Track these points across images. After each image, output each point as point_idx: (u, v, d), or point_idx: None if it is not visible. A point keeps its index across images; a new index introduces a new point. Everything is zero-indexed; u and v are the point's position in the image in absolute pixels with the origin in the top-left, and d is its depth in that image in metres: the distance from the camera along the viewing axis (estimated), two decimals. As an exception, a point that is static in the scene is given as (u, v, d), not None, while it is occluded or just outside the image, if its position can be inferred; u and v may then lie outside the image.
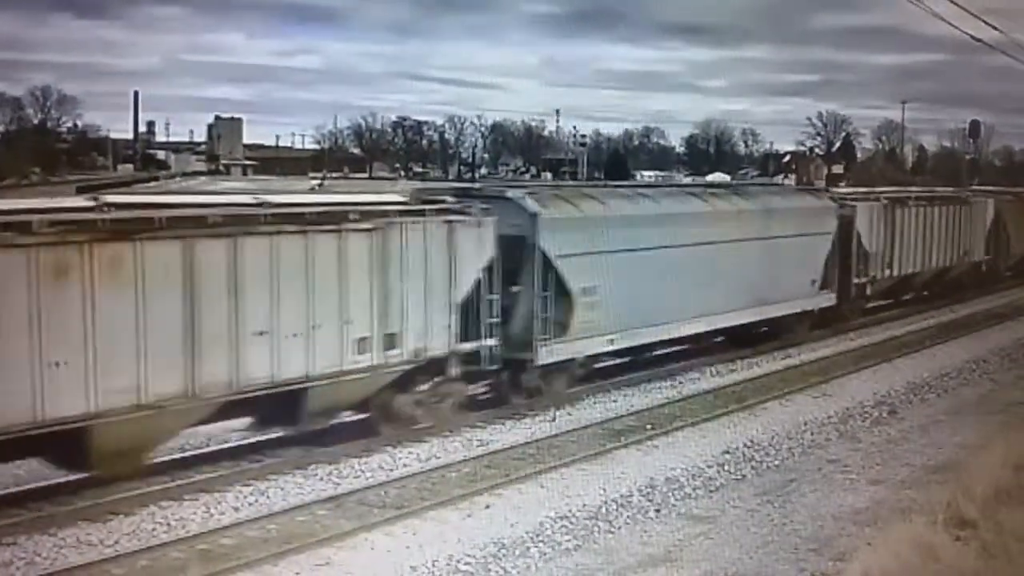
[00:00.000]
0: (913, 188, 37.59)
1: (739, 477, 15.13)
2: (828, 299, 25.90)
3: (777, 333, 24.53)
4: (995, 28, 22.45)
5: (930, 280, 32.36)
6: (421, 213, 16.33)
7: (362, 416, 16.14)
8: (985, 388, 21.88)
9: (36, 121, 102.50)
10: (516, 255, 17.46)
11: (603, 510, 13.34)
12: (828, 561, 11.74)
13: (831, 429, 17.91)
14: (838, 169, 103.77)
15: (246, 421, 15.24)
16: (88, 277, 12.34)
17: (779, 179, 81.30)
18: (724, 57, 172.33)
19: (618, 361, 20.87)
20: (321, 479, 14.32)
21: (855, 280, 27.47)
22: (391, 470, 14.82)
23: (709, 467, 15.35)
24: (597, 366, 20.01)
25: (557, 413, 18.04)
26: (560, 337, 18.17)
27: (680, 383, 20.82)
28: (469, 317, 16.77)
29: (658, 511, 13.56)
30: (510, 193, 18.70)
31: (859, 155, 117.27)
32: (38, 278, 11.96)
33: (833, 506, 13.75)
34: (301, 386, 14.55)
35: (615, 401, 19.24)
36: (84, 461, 12.94)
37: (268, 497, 13.56)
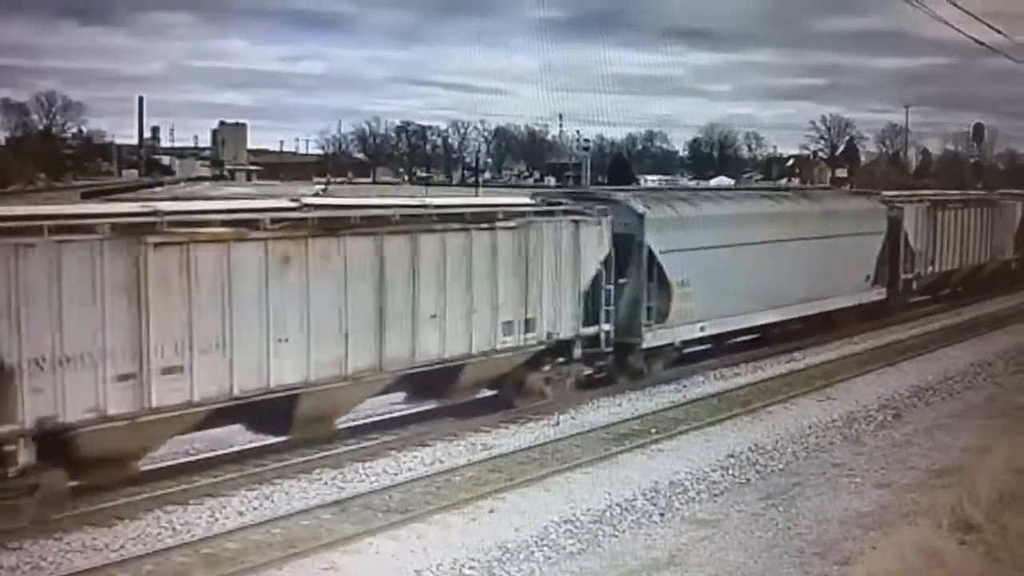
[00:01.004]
0: (952, 191, 39.96)
1: (743, 481, 15.12)
2: (879, 293, 28.31)
3: (833, 325, 26.34)
4: (998, 31, 22.49)
5: (966, 276, 34.42)
6: (551, 213, 18.63)
7: (491, 393, 18.24)
8: (990, 392, 21.84)
9: (41, 127, 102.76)
10: (625, 250, 19.74)
11: (607, 514, 13.34)
12: (832, 565, 11.73)
13: (835, 433, 17.89)
14: (842, 173, 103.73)
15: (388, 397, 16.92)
16: (305, 266, 14.44)
17: (782, 183, 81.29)
18: (728, 61, 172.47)
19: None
20: (325, 483, 14.32)
21: (903, 276, 29.82)
22: (395, 474, 14.83)
23: (713, 471, 15.34)
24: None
25: (561, 417, 18.08)
26: (661, 324, 20.49)
27: (684, 387, 20.82)
28: (589, 305, 19.00)
29: (662, 515, 13.55)
30: (619, 196, 21.43)
31: (863, 159, 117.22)
32: (267, 267, 14.00)
33: (838, 510, 13.73)
34: (461, 363, 16.75)
35: (619, 405, 19.25)
36: (287, 426, 14.81)
37: (273, 501, 13.57)
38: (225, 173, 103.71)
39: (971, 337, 27.75)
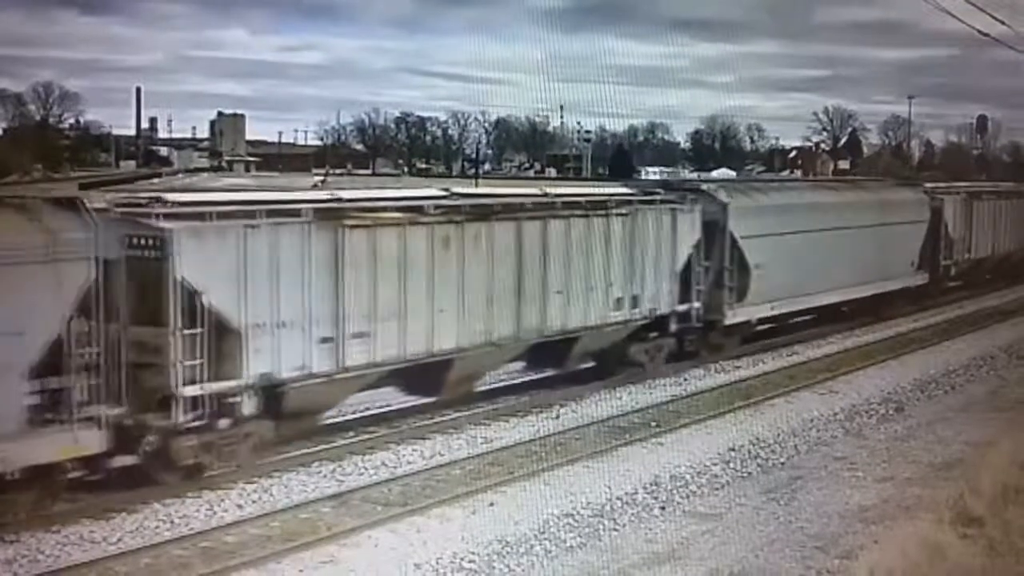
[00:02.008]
0: (984, 183, 42.76)
1: (745, 475, 15.07)
2: (923, 278, 30.31)
3: (881, 308, 28.09)
4: (1002, 23, 22.33)
5: (997, 264, 35.98)
6: (653, 202, 20.62)
7: (590, 365, 19.96)
8: (993, 385, 21.78)
9: (39, 118, 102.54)
10: (709, 236, 21.70)
11: (608, 508, 13.29)
12: (834, 559, 11.68)
13: (837, 426, 17.83)
14: (844, 164, 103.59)
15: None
16: (461, 247, 16.53)
17: (784, 175, 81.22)
18: (731, 52, 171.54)
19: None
20: (325, 476, 14.28)
21: (943, 262, 31.85)
22: (395, 467, 14.78)
23: (714, 464, 15.29)
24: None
25: (561, 411, 18.04)
26: (740, 302, 22.49)
27: (686, 380, 20.75)
28: (682, 284, 20.98)
29: (663, 509, 13.51)
30: (705, 186, 23.54)
31: (865, 150, 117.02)
32: (432, 247, 16.03)
33: (839, 504, 13.68)
34: (579, 334, 18.74)
35: (620, 398, 19.19)
36: (439, 388, 16.83)
37: (271, 494, 13.52)
38: (223, 164, 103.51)
39: (974, 330, 27.68)
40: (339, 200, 15.54)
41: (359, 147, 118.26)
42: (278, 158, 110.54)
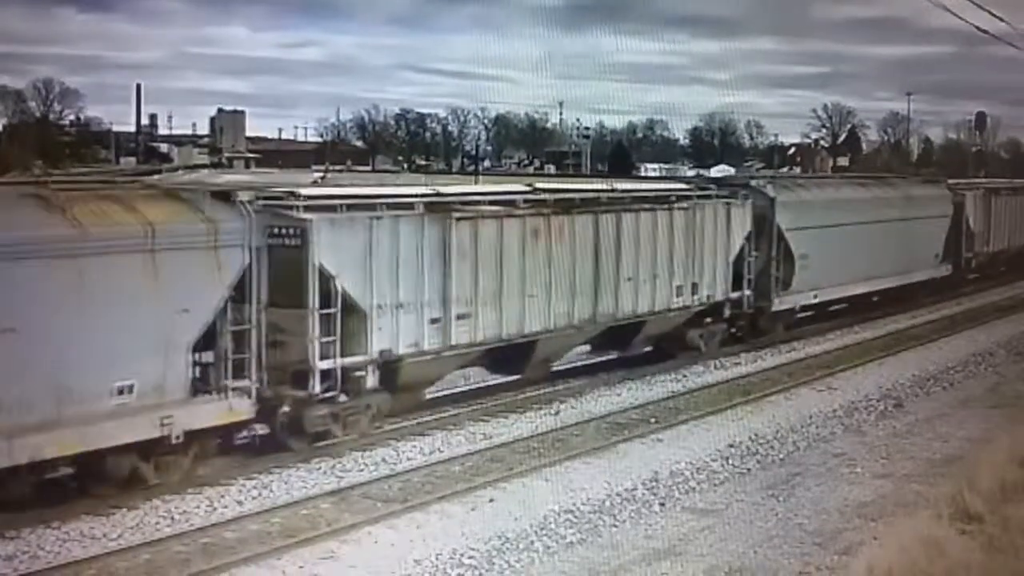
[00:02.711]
0: (1000, 180, 44.16)
1: (744, 471, 15.09)
2: (947, 269, 32.19)
3: (908, 297, 29.71)
4: (1001, 19, 22.33)
5: (1012, 256, 37.53)
6: (709, 197, 22.35)
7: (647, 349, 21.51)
8: (991, 381, 21.79)
9: (39, 114, 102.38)
10: (758, 228, 23.40)
11: (607, 504, 13.31)
12: (833, 555, 11.70)
13: (836, 423, 17.85)
14: (843, 161, 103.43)
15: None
16: (548, 238, 18.07)
17: (783, 171, 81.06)
18: (730, 49, 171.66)
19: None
20: (324, 472, 14.29)
21: (964, 254, 33.66)
22: (395, 464, 14.79)
23: (714, 461, 15.31)
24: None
25: (560, 407, 18.05)
26: (785, 291, 24.26)
27: (684, 376, 20.77)
28: (734, 273, 22.59)
29: (663, 505, 13.53)
30: (754, 182, 25.45)
31: (864, 147, 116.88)
32: (523, 238, 17.61)
33: (838, 500, 13.71)
34: (645, 319, 20.40)
35: (619, 395, 19.21)
36: (522, 367, 18.33)
37: (271, 491, 13.53)
38: (223, 160, 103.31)
39: (972, 326, 27.70)
40: (444, 196, 17.35)
41: (359, 144, 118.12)
42: (278, 154, 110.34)
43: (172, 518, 12.46)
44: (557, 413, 17.72)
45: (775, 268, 23.82)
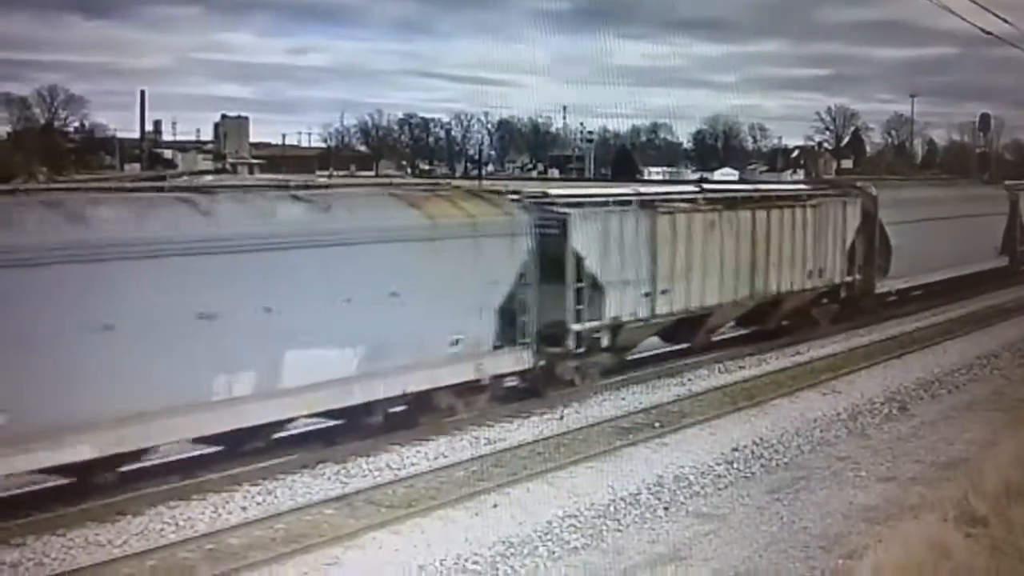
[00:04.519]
0: None
1: (748, 475, 15.07)
2: (1004, 261, 36.05)
3: (969, 286, 32.77)
4: (1005, 21, 22.27)
5: None
6: (830, 195, 26.61)
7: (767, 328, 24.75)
8: (996, 384, 21.75)
9: (43, 121, 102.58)
10: (865, 222, 27.17)
11: (611, 508, 13.31)
12: (838, 559, 11.67)
13: (841, 426, 17.83)
14: (847, 163, 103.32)
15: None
16: (720, 229, 21.73)
17: (787, 174, 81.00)
18: (733, 52, 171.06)
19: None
20: (329, 478, 14.29)
21: (1019, 247, 37.24)
22: (399, 469, 14.79)
23: (718, 464, 15.30)
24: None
25: (565, 411, 18.06)
26: (884, 277, 28.04)
27: (689, 380, 20.77)
28: (848, 260, 26.30)
29: (667, 509, 13.51)
30: (860, 183, 29.41)
31: (868, 149, 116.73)
32: (704, 228, 21.39)
33: (843, 503, 13.69)
34: (784, 297, 24.05)
35: (623, 399, 19.20)
36: (692, 336, 22.11)
37: (276, 497, 13.54)
38: (227, 166, 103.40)
39: (977, 329, 27.66)
40: (646, 195, 21.52)
41: (362, 149, 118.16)
42: (282, 160, 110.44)
43: (177, 524, 12.47)
44: (561, 418, 17.72)
45: (877, 256, 27.40)
